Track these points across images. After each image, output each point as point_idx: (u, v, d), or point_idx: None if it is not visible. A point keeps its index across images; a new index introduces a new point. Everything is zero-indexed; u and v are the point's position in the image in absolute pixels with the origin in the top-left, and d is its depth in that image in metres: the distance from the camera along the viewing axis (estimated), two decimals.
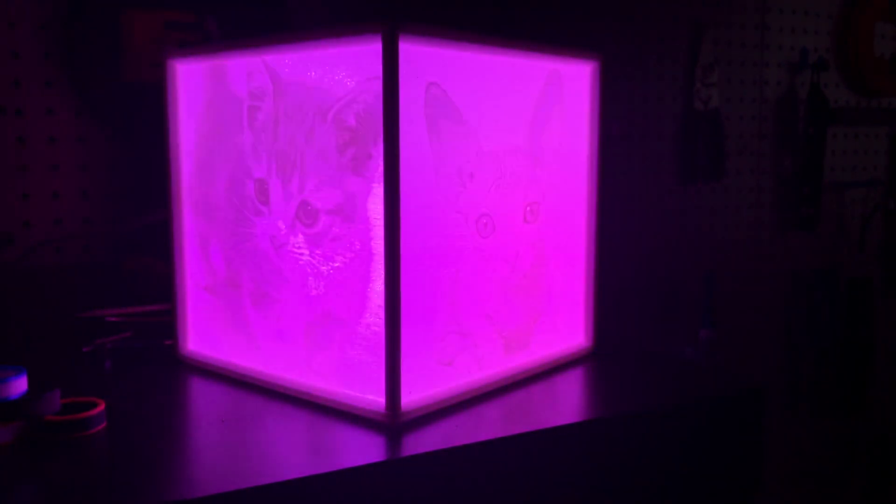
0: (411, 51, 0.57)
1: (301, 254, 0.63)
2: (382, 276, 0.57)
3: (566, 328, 0.77)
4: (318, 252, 0.62)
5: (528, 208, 0.69)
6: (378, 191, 0.57)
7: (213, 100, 0.70)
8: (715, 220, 1.86)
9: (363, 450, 0.55)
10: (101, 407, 0.58)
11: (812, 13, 1.97)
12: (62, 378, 0.71)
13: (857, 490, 2.09)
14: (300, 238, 0.63)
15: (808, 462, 2.01)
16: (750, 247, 1.93)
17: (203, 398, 0.68)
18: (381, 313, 0.58)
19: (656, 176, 1.77)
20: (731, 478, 0.69)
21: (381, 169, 0.56)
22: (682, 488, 0.66)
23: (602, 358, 0.78)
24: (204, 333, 0.74)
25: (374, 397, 0.59)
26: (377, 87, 0.56)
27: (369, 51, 0.57)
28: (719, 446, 0.68)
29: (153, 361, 0.76)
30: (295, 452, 0.55)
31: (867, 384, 2.07)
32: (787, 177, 1.97)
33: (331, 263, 0.61)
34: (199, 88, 0.71)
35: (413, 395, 0.60)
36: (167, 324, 0.78)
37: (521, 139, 0.68)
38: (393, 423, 0.58)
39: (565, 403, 0.68)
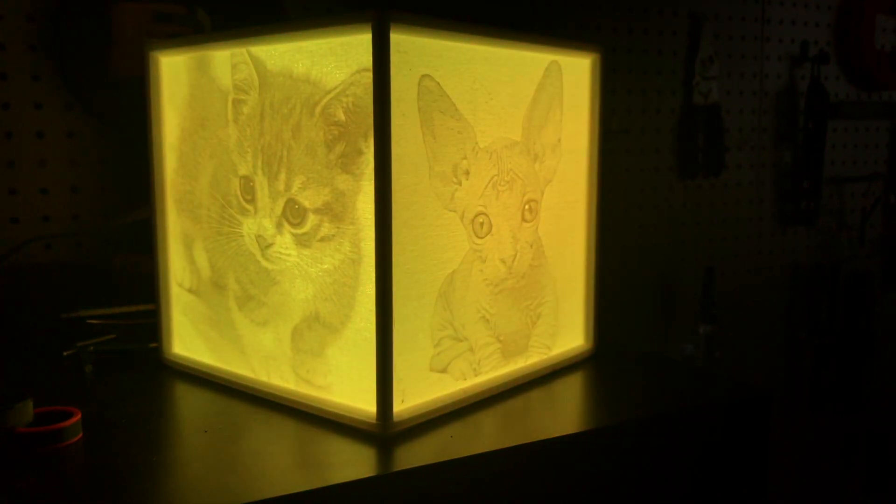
0: (403, 41, 0.55)
1: (288, 255, 0.60)
2: (373, 278, 0.55)
3: (566, 330, 0.74)
4: (306, 253, 0.59)
5: (527, 206, 0.66)
6: (368, 189, 0.54)
7: (196, 93, 0.67)
8: (714, 215, 1.84)
9: (352, 463, 0.52)
10: (77, 417, 0.55)
11: (812, 5, 1.94)
12: (40, 385, 0.68)
13: (855, 485, 2.08)
14: (287, 238, 0.60)
15: (806, 457, 1.99)
16: (750, 241, 1.91)
17: (187, 406, 0.65)
18: (372, 317, 0.55)
19: (655, 170, 1.75)
20: (736, 487, 0.66)
21: (371, 166, 0.54)
22: (686, 499, 0.63)
23: (603, 361, 0.75)
24: (189, 337, 0.72)
25: (364, 406, 0.57)
26: (367, 79, 0.53)
27: (359, 41, 0.54)
28: (724, 454, 0.65)
29: (137, 366, 0.73)
30: (280, 466, 0.52)
31: (867, 379, 2.05)
32: (786, 171, 1.95)
33: (319, 265, 0.58)
34: (183, 81, 0.69)
35: (405, 404, 0.57)
36: (152, 326, 0.76)
37: (519, 134, 0.65)
38: (384, 433, 0.55)
39: (565, 411, 0.65)
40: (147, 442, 0.55)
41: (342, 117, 0.56)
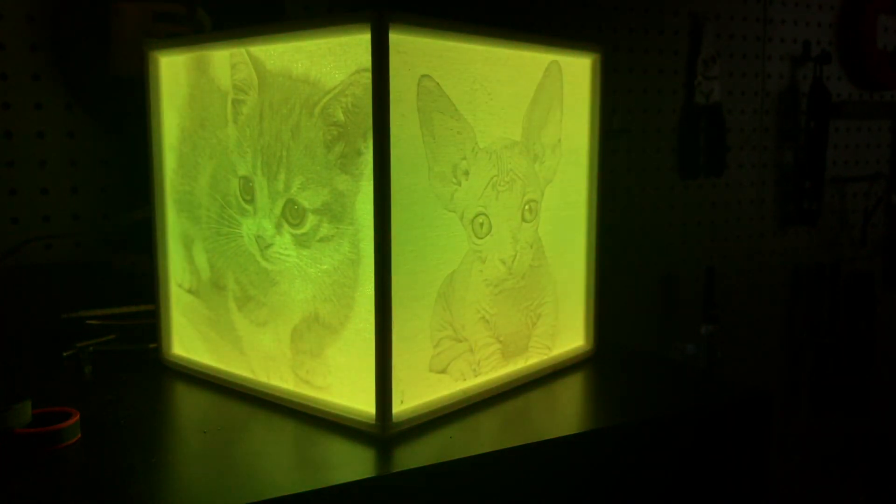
0: (403, 41, 0.54)
1: (288, 255, 0.60)
2: (372, 279, 0.54)
3: (566, 331, 0.74)
4: (305, 254, 0.59)
5: (527, 207, 0.66)
6: (368, 189, 0.54)
7: (196, 93, 0.67)
8: (716, 215, 1.84)
9: (351, 463, 0.52)
10: (76, 418, 0.55)
11: (814, 5, 1.94)
12: (38, 385, 0.68)
13: (856, 486, 2.08)
14: (287, 239, 0.60)
15: (807, 457, 1.99)
16: (751, 241, 1.91)
17: (186, 407, 0.65)
18: (372, 318, 0.55)
19: (657, 171, 1.74)
20: (736, 488, 0.66)
21: (370, 166, 0.53)
22: (686, 500, 0.63)
23: (603, 362, 0.75)
24: (188, 337, 0.72)
25: (363, 407, 0.56)
26: (367, 79, 0.53)
27: (358, 42, 0.54)
28: (725, 456, 0.65)
29: (136, 367, 0.73)
30: (279, 467, 0.52)
31: (868, 379, 2.05)
32: (788, 171, 1.95)
33: (319, 266, 0.58)
34: (182, 81, 0.68)
35: (405, 405, 0.57)
36: (152, 327, 0.76)
37: (519, 134, 0.65)
38: (383, 434, 0.55)
39: (566, 411, 0.65)
40: (146, 443, 0.55)
41: (341, 117, 0.55)
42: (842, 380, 2.01)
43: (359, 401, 0.57)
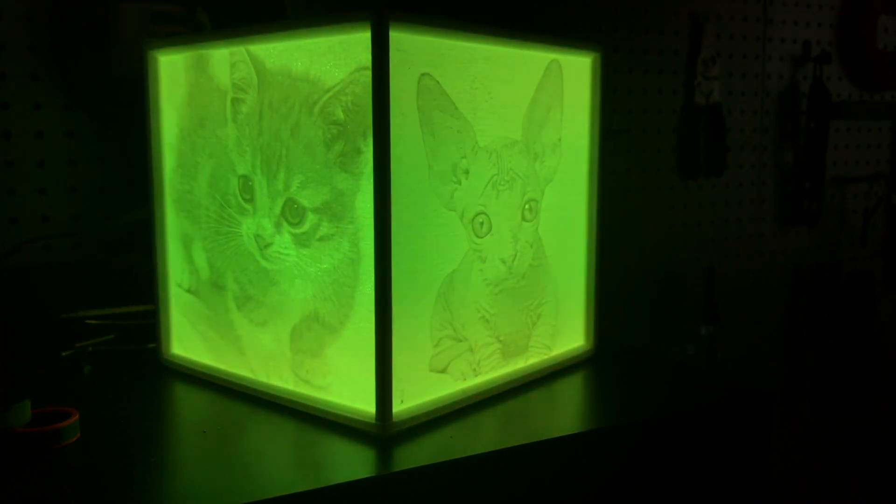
0: (403, 40, 0.54)
1: (287, 255, 0.60)
2: (372, 278, 0.54)
3: (566, 330, 0.74)
4: (305, 253, 0.59)
5: (527, 206, 0.66)
6: (368, 188, 0.54)
7: (195, 92, 0.67)
8: (716, 215, 1.84)
9: (351, 463, 0.52)
10: (75, 417, 0.54)
11: (815, 5, 1.94)
12: (38, 385, 0.68)
13: (856, 487, 2.07)
14: (286, 238, 0.60)
15: (807, 458, 1.99)
16: (751, 242, 1.91)
17: (186, 406, 0.65)
18: (371, 317, 0.55)
19: (657, 171, 1.74)
20: (736, 488, 0.66)
21: (370, 165, 0.53)
22: (686, 500, 0.63)
23: (603, 361, 0.75)
24: (188, 337, 0.71)
25: (363, 406, 0.56)
26: (366, 78, 0.53)
27: (358, 40, 0.54)
28: (725, 456, 0.65)
29: (136, 366, 0.73)
30: (279, 467, 0.52)
31: (867, 379, 2.05)
32: (788, 171, 1.94)
33: (318, 265, 0.58)
34: (182, 80, 0.68)
35: (405, 404, 0.57)
36: (151, 326, 0.75)
37: (519, 133, 0.65)
38: (383, 433, 0.55)
39: (565, 411, 0.65)
40: (145, 442, 0.55)
41: (341, 116, 0.55)
42: (842, 380, 2.01)
43: (359, 400, 0.57)
